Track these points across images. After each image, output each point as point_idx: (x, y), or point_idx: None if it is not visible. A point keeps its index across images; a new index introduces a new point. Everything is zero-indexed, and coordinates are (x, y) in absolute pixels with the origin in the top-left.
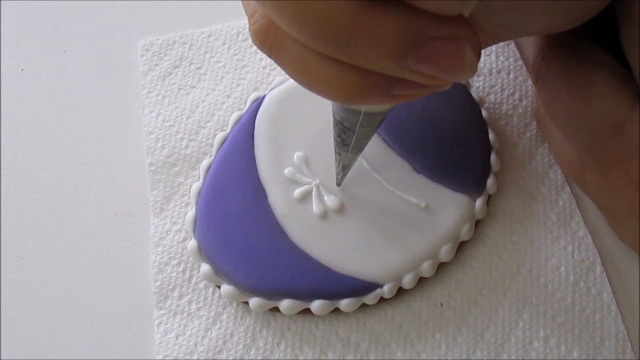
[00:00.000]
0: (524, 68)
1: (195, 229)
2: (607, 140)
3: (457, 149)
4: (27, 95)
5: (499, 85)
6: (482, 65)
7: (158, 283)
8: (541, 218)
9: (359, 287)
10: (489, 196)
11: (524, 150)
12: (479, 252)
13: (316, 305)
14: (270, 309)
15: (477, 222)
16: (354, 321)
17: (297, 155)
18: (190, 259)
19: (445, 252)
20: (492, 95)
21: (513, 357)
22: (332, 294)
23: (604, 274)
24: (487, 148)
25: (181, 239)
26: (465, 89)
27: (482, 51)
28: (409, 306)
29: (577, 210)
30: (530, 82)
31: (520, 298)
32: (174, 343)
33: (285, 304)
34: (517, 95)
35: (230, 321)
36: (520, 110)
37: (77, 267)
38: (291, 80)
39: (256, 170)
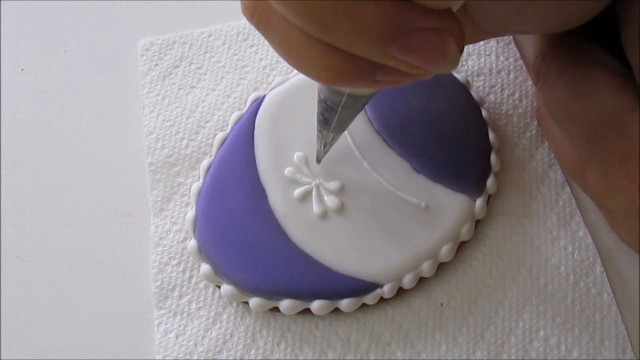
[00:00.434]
0: (524, 68)
1: (195, 229)
2: (608, 140)
3: (457, 149)
4: (27, 95)
5: (499, 85)
6: (482, 65)
7: (158, 283)
8: (541, 218)
9: (359, 287)
10: (489, 196)
11: (524, 150)
12: (479, 252)
13: (316, 305)
14: (270, 309)
15: (477, 222)
16: (354, 321)
17: (297, 155)
18: (190, 259)
19: (445, 252)
20: (492, 95)
21: (513, 357)
22: (332, 294)
23: (604, 274)
24: (487, 148)
25: (181, 239)
26: (465, 89)
27: (482, 51)
28: (409, 306)
29: (577, 210)
30: (530, 82)
31: (520, 298)
32: (174, 343)
33: (285, 304)
34: (517, 95)
35: (230, 321)
36: (520, 110)
37: (77, 267)
38: (291, 80)
39: (256, 170)
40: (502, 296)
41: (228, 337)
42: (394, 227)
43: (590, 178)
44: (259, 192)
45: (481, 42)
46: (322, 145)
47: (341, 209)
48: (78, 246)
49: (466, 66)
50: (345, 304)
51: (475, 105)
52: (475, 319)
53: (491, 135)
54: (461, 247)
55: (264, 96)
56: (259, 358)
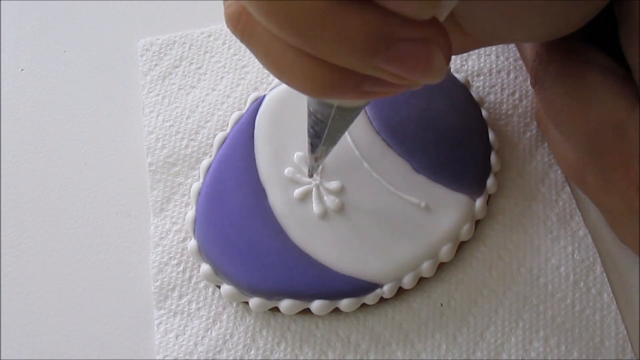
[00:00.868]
0: (524, 68)
1: (195, 229)
2: (607, 142)
3: (457, 149)
4: (27, 95)
5: (499, 85)
6: (482, 65)
7: (158, 283)
8: (541, 218)
9: (359, 287)
10: (489, 196)
11: (524, 150)
12: (479, 252)
13: (316, 305)
14: (270, 309)
15: (477, 222)
16: (354, 321)
17: (297, 155)
18: (190, 259)
19: (445, 252)
20: (492, 95)
21: (513, 357)
22: (332, 294)
23: (604, 274)
24: (487, 148)
25: (181, 239)
26: (465, 89)
27: (482, 51)
28: (409, 306)
29: (577, 210)
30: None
31: (520, 298)
32: (174, 343)
33: (285, 304)
34: (517, 95)
35: (230, 321)
36: (520, 110)
37: (77, 267)
38: None
39: (256, 170)
40: (502, 296)
41: (228, 337)
42: (393, 227)
43: (589, 180)
44: (259, 192)
45: None
46: (314, 159)
47: (341, 209)
48: (78, 246)
49: (466, 66)
50: (345, 304)
51: (475, 105)
52: (475, 319)
53: (491, 135)
54: (461, 247)
55: (264, 96)
56: (259, 358)
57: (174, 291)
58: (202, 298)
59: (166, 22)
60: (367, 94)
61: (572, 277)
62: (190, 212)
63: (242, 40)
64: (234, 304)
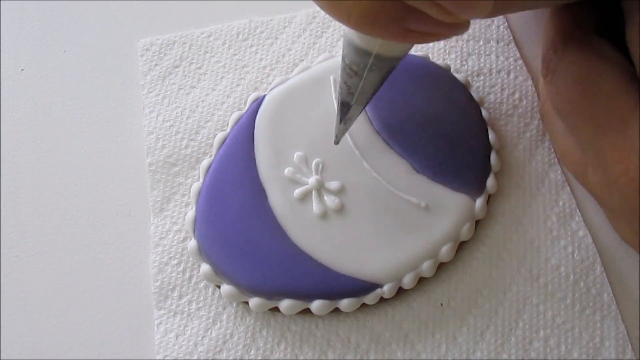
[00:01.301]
0: (524, 68)
1: (195, 229)
2: (609, 137)
3: (457, 149)
4: (27, 95)
5: (499, 85)
6: (482, 65)
7: (158, 283)
8: (541, 218)
9: (359, 287)
10: (489, 196)
11: (524, 150)
12: (479, 252)
13: (316, 305)
14: (270, 309)
15: (477, 222)
16: (354, 321)
17: (297, 155)
18: (190, 259)
19: (445, 252)
20: (492, 95)
21: (513, 357)
22: (332, 294)
23: (604, 274)
24: (487, 148)
25: (181, 239)
26: (465, 89)
27: (482, 51)
28: (409, 306)
29: (577, 210)
30: (530, 82)
31: (520, 298)
32: (174, 343)
33: (285, 304)
34: (517, 95)
35: (230, 321)
36: (520, 110)
37: (77, 267)
38: (291, 81)
39: (256, 170)
40: (502, 296)
41: (228, 337)
42: (394, 227)
43: (591, 175)
44: (259, 192)
45: (481, 42)
46: (343, 122)
47: (341, 209)
48: (78, 246)
49: (466, 66)
50: (345, 304)
51: (475, 105)
52: (475, 319)
53: (491, 135)
54: (461, 247)
55: (264, 96)
56: (259, 358)
57: (174, 291)
58: (202, 298)
59: (166, 22)
60: (411, 34)
61: (572, 277)
62: (190, 212)
63: None
64: (234, 304)
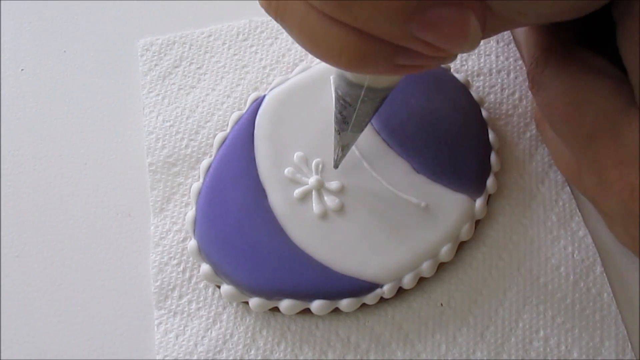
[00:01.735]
0: (524, 68)
1: (195, 229)
2: (602, 144)
3: (457, 149)
4: (27, 95)
5: (499, 85)
6: (482, 65)
7: (158, 283)
8: (541, 218)
9: (359, 287)
10: (489, 196)
11: (524, 150)
12: (479, 252)
13: (316, 305)
14: (270, 309)
15: (477, 222)
16: (354, 321)
17: (297, 155)
18: (190, 259)
19: (445, 252)
20: (492, 95)
21: (513, 357)
22: (332, 294)
23: (604, 274)
24: (487, 148)
25: (181, 239)
26: (465, 89)
27: (482, 51)
28: (409, 306)
29: (577, 210)
30: None
31: (520, 298)
32: (174, 343)
33: (285, 304)
34: (517, 95)
35: (230, 321)
36: (520, 110)
37: (77, 267)
38: (291, 81)
39: (256, 170)
40: (502, 296)
41: (228, 337)
42: (393, 227)
43: (586, 182)
44: (259, 192)
45: (481, 42)
46: (340, 149)
47: (341, 209)
48: (78, 246)
49: (466, 66)
50: (345, 304)
51: (475, 105)
52: (475, 319)
53: (491, 135)
54: (461, 247)
55: (264, 96)
56: (259, 358)
57: (174, 291)
58: (202, 298)
59: (166, 22)
60: (400, 69)
61: (572, 277)
62: (190, 212)
63: (275, 18)
64: (234, 304)
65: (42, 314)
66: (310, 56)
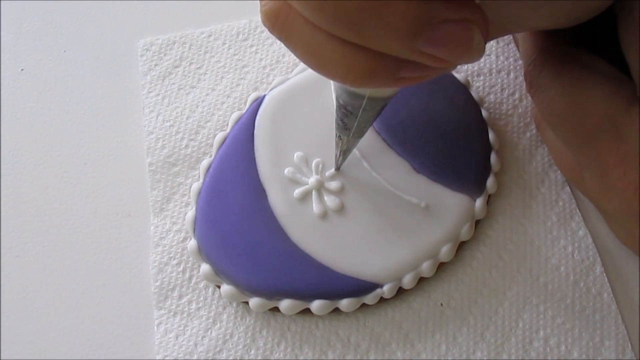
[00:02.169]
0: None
1: (195, 229)
2: (603, 143)
3: (457, 149)
4: (27, 95)
5: (499, 85)
6: (482, 65)
7: (158, 283)
8: (541, 218)
9: (359, 287)
10: (489, 196)
11: (524, 150)
12: (479, 252)
13: (316, 305)
14: (270, 309)
15: (477, 222)
16: (354, 321)
17: (297, 155)
18: (190, 259)
19: (445, 252)
20: (492, 95)
21: (513, 357)
22: (332, 294)
23: (604, 274)
24: (487, 148)
25: (181, 239)
26: (465, 89)
27: None
28: (409, 306)
29: (577, 210)
30: None
31: (520, 298)
32: (174, 343)
33: (285, 304)
34: (517, 95)
35: (230, 321)
36: (520, 110)
37: (77, 267)
38: (291, 81)
39: (256, 170)
40: (502, 296)
41: (228, 337)
42: (394, 227)
43: (587, 182)
44: (259, 192)
45: None
46: (341, 152)
47: (341, 209)
48: (78, 246)
49: (466, 66)
50: (345, 304)
51: (475, 105)
52: (475, 319)
53: (491, 135)
54: (461, 247)
55: (264, 96)
56: (259, 358)
57: (174, 291)
58: (202, 298)
59: (166, 22)
60: (403, 81)
61: (572, 277)
62: (190, 212)
63: (280, 38)
64: (234, 304)
65: (42, 314)
66: None
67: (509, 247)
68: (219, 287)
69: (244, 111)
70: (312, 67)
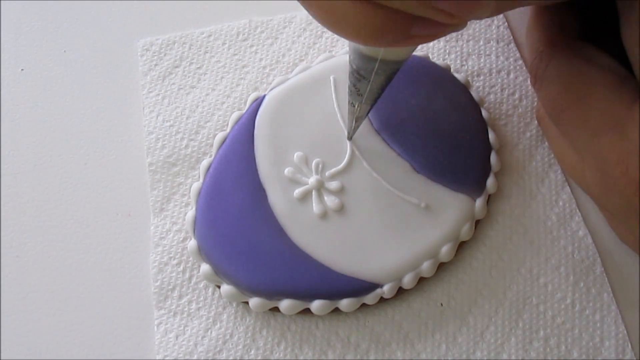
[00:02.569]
0: (524, 68)
1: (195, 229)
2: (605, 139)
3: (457, 149)
4: (27, 95)
5: (499, 85)
6: (482, 65)
7: (158, 283)
8: (541, 218)
9: (359, 287)
10: (489, 196)
11: (524, 150)
12: (479, 252)
13: (316, 305)
14: (270, 309)
15: (477, 222)
16: (354, 321)
17: (297, 155)
18: (190, 259)
19: (445, 252)
20: (492, 95)
21: (513, 357)
22: (332, 294)
23: (604, 274)
24: (487, 148)
25: (181, 239)
26: (465, 89)
27: (482, 51)
28: (409, 306)
29: (577, 210)
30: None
31: (520, 298)
32: (174, 343)
33: (285, 304)
34: (517, 95)
35: (230, 321)
36: (520, 110)
37: (77, 267)
38: (291, 81)
39: (256, 170)
40: (502, 296)
41: (228, 337)
42: (393, 227)
43: (589, 178)
44: (259, 192)
45: (481, 42)
46: (354, 120)
47: (341, 209)
48: (78, 246)
49: (466, 66)
50: (345, 304)
51: (475, 105)
52: (475, 319)
53: (491, 135)
54: (461, 247)
55: (264, 96)
56: (259, 358)
57: (174, 291)
58: (202, 298)
59: (166, 22)
60: (414, 39)
61: (572, 277)
62: (190, 212)
63: None
64: (234, 304)
65: (42, 314)
66: (310, 56)
67: (509, 247)
68: (219, 287)
69: (244, 111)
70: (325, 25)
